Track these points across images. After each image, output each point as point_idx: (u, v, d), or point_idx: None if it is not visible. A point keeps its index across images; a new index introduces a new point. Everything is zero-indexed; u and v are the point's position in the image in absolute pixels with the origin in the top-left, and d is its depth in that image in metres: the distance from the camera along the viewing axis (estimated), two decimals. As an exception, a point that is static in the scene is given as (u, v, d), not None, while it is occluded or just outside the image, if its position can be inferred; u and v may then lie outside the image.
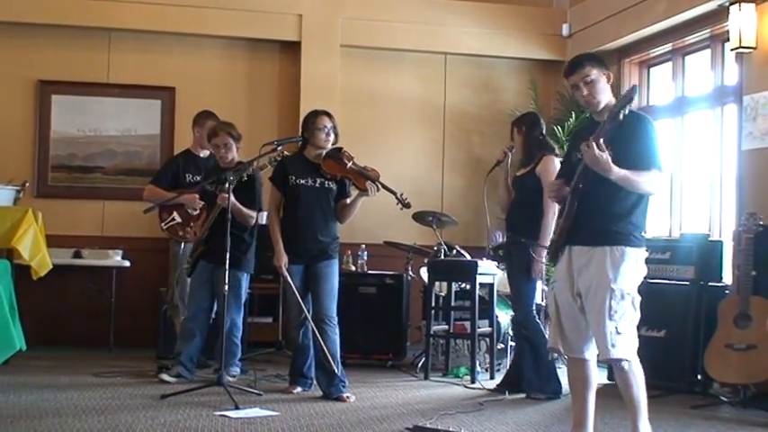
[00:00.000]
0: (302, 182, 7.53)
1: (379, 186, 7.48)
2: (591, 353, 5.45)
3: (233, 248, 7.61)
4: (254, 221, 8.02)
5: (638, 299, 5.33)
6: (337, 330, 7.56)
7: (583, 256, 5.37)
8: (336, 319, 7.57)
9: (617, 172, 5.15)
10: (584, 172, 5.27)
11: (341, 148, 7.63)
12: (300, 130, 7.76)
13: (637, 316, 5.34)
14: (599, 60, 5.63)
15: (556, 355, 5.80)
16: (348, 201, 7.66)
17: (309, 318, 7.46)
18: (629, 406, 5.38)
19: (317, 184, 7.56)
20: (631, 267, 5.31)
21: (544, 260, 7.59)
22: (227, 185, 7.50)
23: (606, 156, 5.11)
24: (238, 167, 7.68)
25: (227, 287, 7.37)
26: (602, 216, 5.31)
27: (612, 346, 5.21)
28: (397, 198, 7.57)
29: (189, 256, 8.27)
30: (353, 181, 7.55)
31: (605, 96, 5.53)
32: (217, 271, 7.90)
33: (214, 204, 7.87)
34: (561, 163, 6.11)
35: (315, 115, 7.60)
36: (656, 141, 5.34)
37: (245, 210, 7.76)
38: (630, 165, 5.21)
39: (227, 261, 7.33)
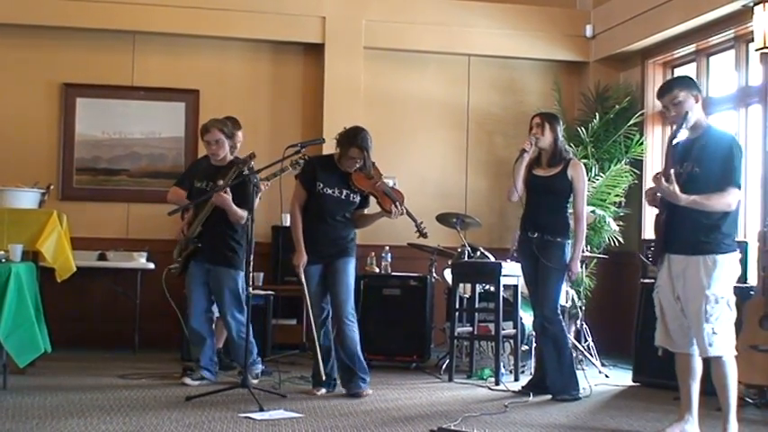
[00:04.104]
0: (329, 191, 7.57)
1: (403, 210, 7.52)
2: (694, 348, 6.00)
3: (227, 248, 7.76)
4: (244, 221, 7.92)
5: (732, 299, 5.93)
6: (355, 327, 7.63)
7: (680, 264, 5.97)
8: (354, 316, 7.65)
9: (685, 199, 5.75)
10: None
11: (372, 163, 7.65)
12: (336, 139, 7.66)
13: (733, 315, 5.94)
14: (687, 83, 6.12)
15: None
16: (366, 211, 7.70)
17: (326, 315, 7.61)
18: (722, 399, 5.93)
19: (343, 196, 7.60)
20: (724, 272, 5.88)
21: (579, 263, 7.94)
22: (221, 183, 7.58)
23: (673, 188, 5.72)
24: (240, 164, 7.67)
25: (251, 289, 7.41)
26: (695, 228, 5.87)
27: (710, 345, 5.83)
28: (416, 226, 7.70)
29: (177, 256, 8.17)
30: (379, 200, 7.59)
31: (694, 116, 6.00)
32: (214, 271, 7.93)
33: (205, 202, 7.86)
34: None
35: (349, 144, 7.50)
36: (734, 159, 5.84)
37: (239, 211, 7.74)
38: (712, 182, 5.79)
39: (250, 264, 7.35)
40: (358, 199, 7.66)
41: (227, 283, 7.87)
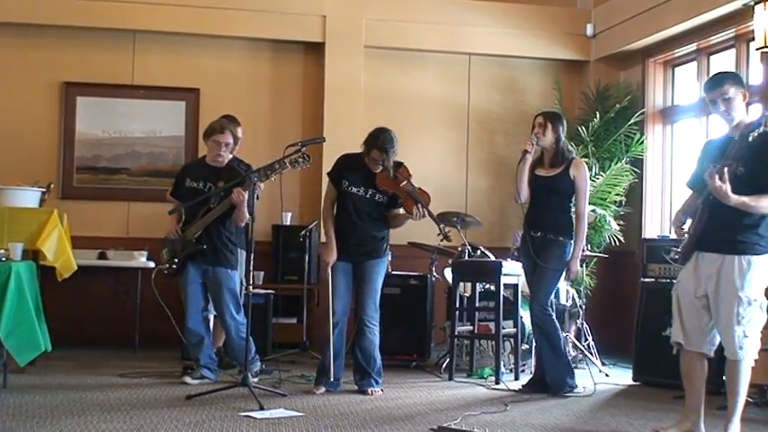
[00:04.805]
0: (355, 190, 7.61)
1: (425, 213, 7.51)
2: (708, 348, 5.97)
3: (226, 249, 7.78)
4: (244, 223, 7.89)
5: (765, 303, 5.85)
6: (376, 330, 7.70)
7: (713, 263, 5.86)
8: (377, 319, 7.70)
9: (735, 200, 5.59)
10: None
11: (401, 164, 7.66)
12: (364, 139, 7.66)
13: (764, 318, 5.87)
14: (737, 79, 6.03)
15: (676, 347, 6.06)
16: (399, 211, 7.74)
17: (334, 321, 7.60)
18: (731, 398, 5.87)
19: (368, 195, 7.63)
20: (758, 275, 5.79)
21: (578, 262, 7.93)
22: (246, 183, 7.51)
23: (726, 187, 5.54)
24: (267, 168, 7.64)
25: (252, 288, 7.40)
26: (732, 227, 5.77)
27: (740, 348, 5.77)
28: (439, 230, 7.65)
29: (171, 257, 8.10)
30: (402, 201, 7.60)
31: (739, 113, 5.95)
32: (213, 272, 7.93)
33: (199, 205, 7.87)
34: (694, 169, 6.27)
35: (371, 145, 7.54)
36: None
37: (246, 211, 7.73)
38: (757, 183, 5.66)
39: (251, 262, 7.34)
40: (384, 199, 7.67)
41: (227, 284, 7.88)
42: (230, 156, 8.12)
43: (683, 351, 6.03)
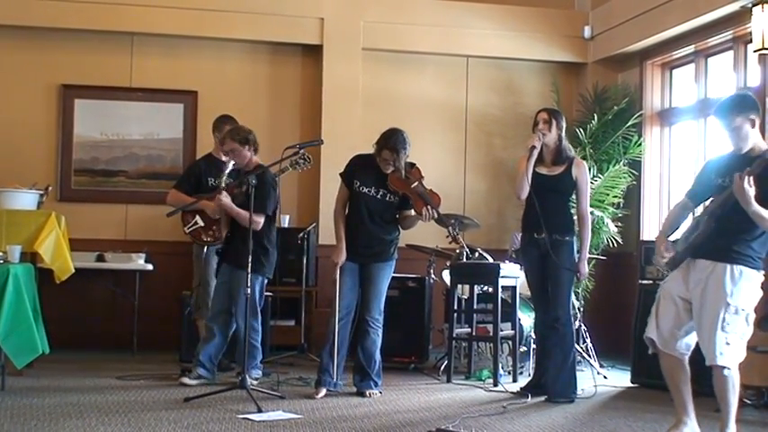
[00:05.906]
0: (366, 190, 7.62)
1: (435, 214, 7.52)
2: (681, 353, 6.00)
3: (248, 252, 7.67)
4: (255, 224, 7.67)
5: (752, 315, 5.84)
6: (379, 332, 7.73)
7: (704, 270, 5.86)
8: (380, 321, 7.73)
9: (756, 208, 5.59)
10: (727, 200, 5.75)
11: (413, 165, 7.67)
12: (376, 139, 7.65)
13: (749, 331, 5.85)
14: (744, 106, 5.89)
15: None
16: (411, 212, 7.72)
17: (348, 313, 7.66)
18: (722, 407, 5.86)
19: (379, 196, 7.65)
20: (748, 286, 5.81)
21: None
22: (223, 186, 7.62)
23: (752, 191, 5.56)
24: (258, 170, 7.67)
25: (249, 290, 7.38)
26: (729, 237, 5.79)
27: (720, 354, 5.74)
28: (449, 232, 7.69)
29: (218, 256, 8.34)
30: (413, 201, 7.60)
31: (749, 142, 5.86)
32: (234, 273, 7.93)
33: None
34: (694, 183, 6.29)
35: (382, 146, 7.55)
36: None
37: (241, 212, 7.70)
38: (763, 203, 5.61)
39: (249, 264, 7.33)
40: (395, 199, 7.68)
41: (244, 287, 7.83)
42: (248, 156, 8.11)
43: (659, 353, 6.06)
